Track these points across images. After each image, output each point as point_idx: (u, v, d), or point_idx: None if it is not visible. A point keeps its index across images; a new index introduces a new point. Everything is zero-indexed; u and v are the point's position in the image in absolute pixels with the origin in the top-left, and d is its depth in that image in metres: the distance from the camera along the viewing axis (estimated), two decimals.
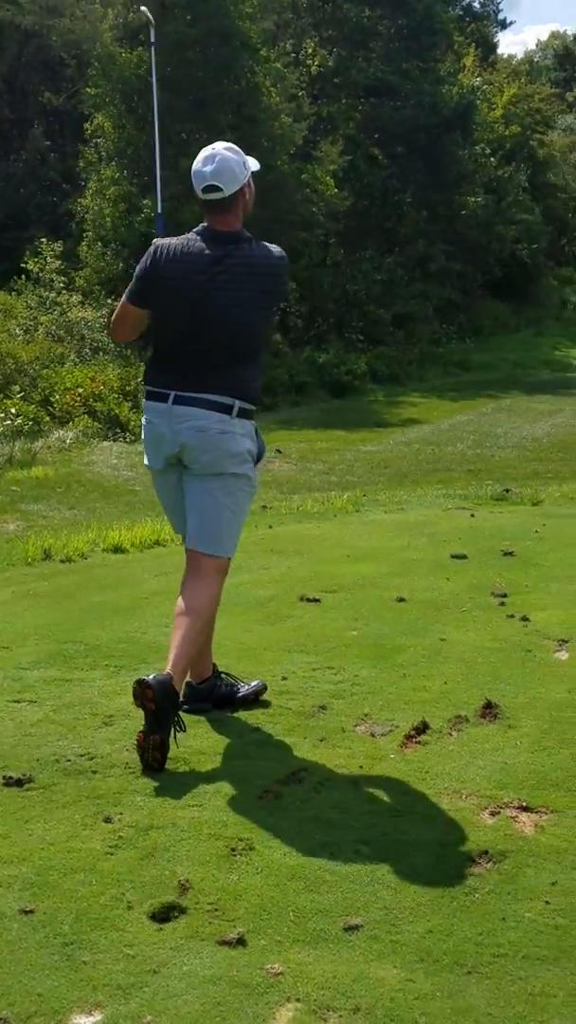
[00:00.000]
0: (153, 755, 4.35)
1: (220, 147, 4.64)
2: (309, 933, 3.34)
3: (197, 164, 4.61)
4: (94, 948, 3.23)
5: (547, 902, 3.50)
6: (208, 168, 4.57)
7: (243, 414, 4.63)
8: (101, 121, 28.52)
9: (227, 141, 4.88)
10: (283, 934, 3.33)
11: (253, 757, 4.48)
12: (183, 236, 4.73)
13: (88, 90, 29.05)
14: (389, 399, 23.05)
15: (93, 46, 29.19)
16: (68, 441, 17.88)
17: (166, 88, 27.28)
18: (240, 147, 4.76)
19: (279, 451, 15.89)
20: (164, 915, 3.41)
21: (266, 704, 5.00)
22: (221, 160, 4.57)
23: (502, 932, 3.36)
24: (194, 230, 4.71)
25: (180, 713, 4.48)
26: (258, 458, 4.77)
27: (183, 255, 4.61)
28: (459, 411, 20.95)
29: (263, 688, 5.07)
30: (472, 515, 9.27)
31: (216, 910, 3.44)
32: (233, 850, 3.77)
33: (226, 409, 4.59)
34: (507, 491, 10.73)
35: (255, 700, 5.02)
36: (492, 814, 4.05)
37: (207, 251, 4.60)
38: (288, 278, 4.74)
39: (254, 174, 4.78)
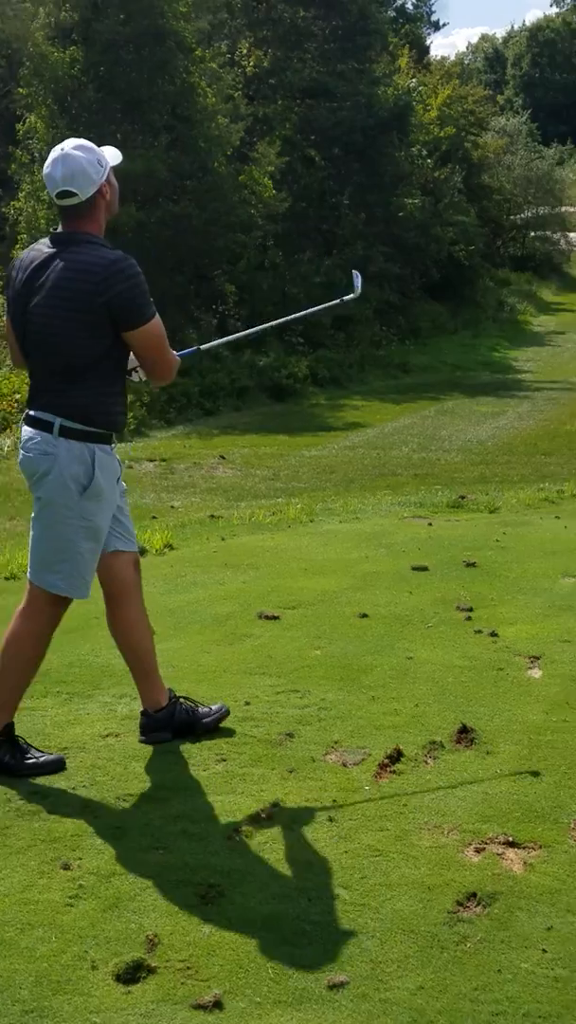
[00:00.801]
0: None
1: (69, 146, 4.16)
2: (291, 993, 3.09)
3: (46, 167, 4.16)
4: (56, 1016, 2.96)
5: (544, 950, 3.28)
6: (58, 172, 4.11)
7: (70, 434, 4.13)
8: (33, 121, 28.03)
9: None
10: (263, 995, 3.07)
11: (219, 792, 4.21)
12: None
13: (20, 90, 28.56)
14: (331, 402, 22.87)
15: (24, 45, 28.71)
16: (6, 449, 17.47)
17: (100, 88, 26.91)
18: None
19: (223, 457, 15.63)
20: (132, 975, 3.15)
21: (230, 732, 4.73)
22: (71, 161, 4.11)
23: (499, 986, 3.13)
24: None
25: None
26: (85, 488, 4.18)
27: (26, 262, 4.22)
28: (402, 414, 20.81)
29: (226, 712, 4.80)
30: (430, 524, 9.06)
31: (188, 968, 3.18)
32: (203, 898, 3.52)
33: (46, 427, 4.15)
34: (463, 498, 10.54)
35: (217, 727, 4.75)
36: (477, 851, 3.83)
37: (41, 255, 4.19)
38: (126, 288, 4.07)
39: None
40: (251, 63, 34.40)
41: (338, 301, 5.48)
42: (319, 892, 3.57)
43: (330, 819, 4.02)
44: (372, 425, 19.65)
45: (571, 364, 28.20)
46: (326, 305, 5.86)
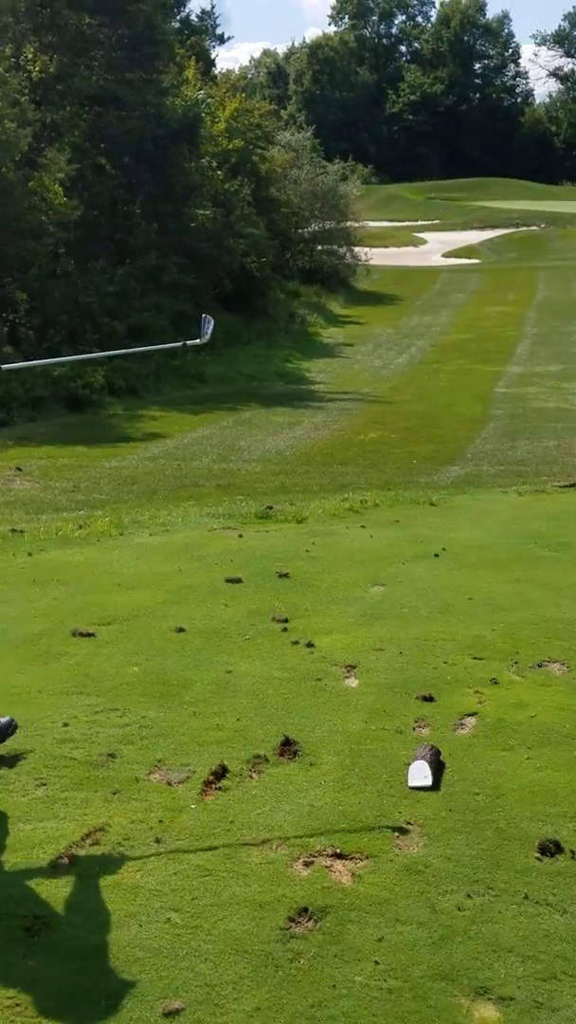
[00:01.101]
0: None
1: None
2: (126, 1023, 3.01)
3: None
4: None
5: (376, 962, 3.29)
6: None
7: None
8: None
9: None
10: None
11: (40, 818, 4.07)
12: None
13: None
14: (129, 413, 22.59)
15: None
16: None
17: None
18: None
19: (19, 469, 15.22)
20: None
21: (49, 755, 4.59)
22: None
23: (334, 1002, 3.12)
24: None
25: None
26: None
27: None
28: (200, 424, 20.76)
29: (13, 725, 4.63)
30: (240, 535, 9.02)
31: (17, 1005, 3.06)
32: (28, 930, 3.40)
33: None
34: (270, 508, 10.55)
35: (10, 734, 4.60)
36: (306, 864, 3.82)
37: None
38: None
39: None
40: (37, 68, 33.77)
41: (180, 344, 5.36)
42: (149, 916, 3.50)
43: (157, 840, 3.94)
44: (171, 436, 19.52)
45: (361, 376, 28.72)
46: (167, 346, 5.75)
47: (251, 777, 4.44)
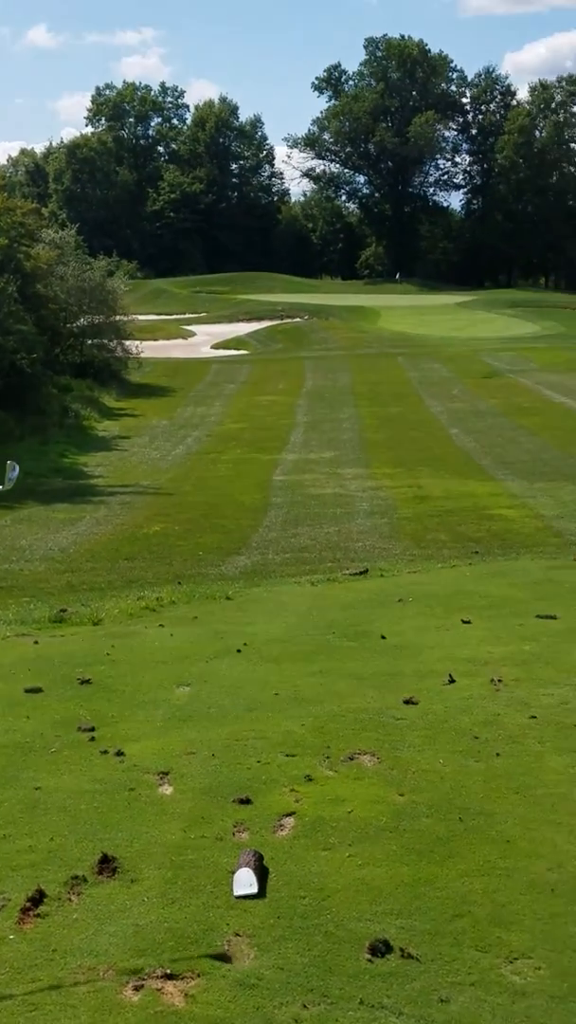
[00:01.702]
0: None
1: None
2: None
3: None
4: None
5: None
6: None
7: None
8: None
9: None
10: None
11: None
12: None
13: None
14: None
15: None
16: None
17: None
18: None
19: None
20: None
21: None
22: None
23: None
24: None
25: None
26: None
27: None
28: None
29: None
30: (36, 642, 8.74)
31: None
32: None
33: None
34: (63, 611, 10.30)
35: None
36: (136, 989, 3.70)
37: None
38: None
39: None
40: None
41: None
42: None
43: None
44: None
45: (140, 468, 28.60)
46: None
47: (70, 900, 4.28)
